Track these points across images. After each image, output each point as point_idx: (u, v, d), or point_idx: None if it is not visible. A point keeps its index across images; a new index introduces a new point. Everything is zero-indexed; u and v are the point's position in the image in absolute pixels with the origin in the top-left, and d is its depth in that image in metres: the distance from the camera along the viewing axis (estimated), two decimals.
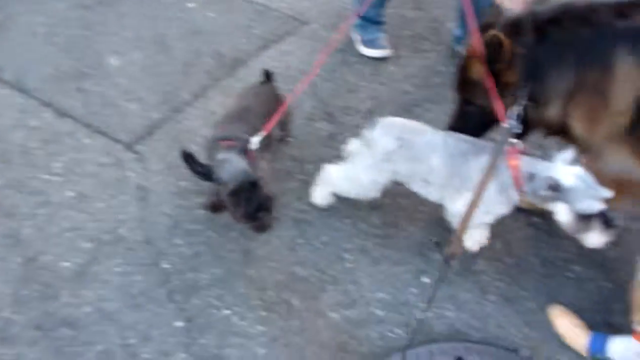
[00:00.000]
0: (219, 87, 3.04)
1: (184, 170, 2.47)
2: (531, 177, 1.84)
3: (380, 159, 2.08)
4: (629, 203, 1.96)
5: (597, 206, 1.76)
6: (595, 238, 1.87)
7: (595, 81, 1.73)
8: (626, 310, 2.00)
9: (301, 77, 3.08)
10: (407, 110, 2.87)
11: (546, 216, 2.37)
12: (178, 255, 2.25)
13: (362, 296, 2.13)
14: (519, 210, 2.39)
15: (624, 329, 1.93)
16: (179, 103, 2.95)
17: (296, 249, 2.27)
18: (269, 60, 3.21)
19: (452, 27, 3.31)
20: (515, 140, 1.88)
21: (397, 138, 2.05)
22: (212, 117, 2.83)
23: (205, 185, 2.12)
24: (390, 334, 2.02)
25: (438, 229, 2.31)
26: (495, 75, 1.89)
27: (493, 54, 1.84)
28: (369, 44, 3.20)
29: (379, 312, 2.08)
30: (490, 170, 1.77)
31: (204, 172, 1.95)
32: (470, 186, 1.88)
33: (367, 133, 2.11)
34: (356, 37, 3.27)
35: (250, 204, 1.92)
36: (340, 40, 3.34)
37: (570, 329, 1.99)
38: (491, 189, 1.89)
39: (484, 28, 1.94)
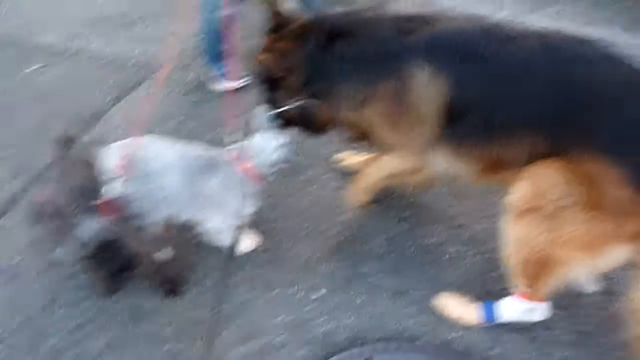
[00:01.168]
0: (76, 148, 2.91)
1: (54, 240, 2.34)
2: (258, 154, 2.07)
3: (126, 189, 1.95)
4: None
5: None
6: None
7: (396, 95, 1.85)
8: (501, 277, 2.18)
9: (166, 120, 3.05)
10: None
11: (415, 206, 2.55)
12: (62, 330, 2.10)
13: (262, 325, 2.13)
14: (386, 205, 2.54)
15: (503, 294, 2.11)
16: (35, 171, 2.79)
17: (186, 294, 2.22)
18: (125, 110, 3.14)
19: None
20: (235, 146, 2.05)
21: (127, 163, 1.95)
22: None
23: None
24: (296, 354, 2.04)
25: (321, 242, 2.38)
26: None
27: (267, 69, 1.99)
28: (223, 77, 3.24)
29: (281, 337, 2.09)
30: None
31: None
32: (216, 203, 2.04)
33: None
34: (210, 73, 3.30)
35: (111, 266, 1.73)
36: (196, 78, 3.37)
37: (459, 309, 2.13)
38: (235, 203, 2.08)
39: (273, 30, 2.02)
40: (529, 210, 1.74)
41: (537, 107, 1.72)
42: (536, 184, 1.74)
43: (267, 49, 2.04)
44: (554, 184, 1.70)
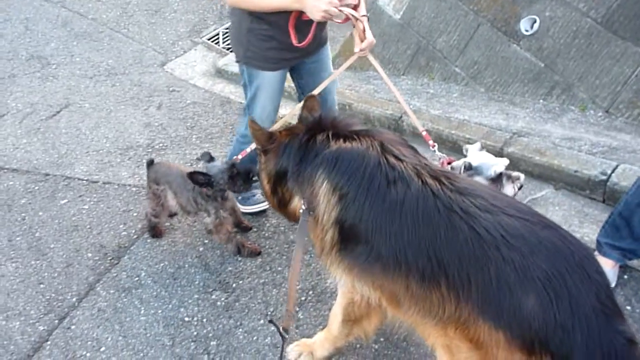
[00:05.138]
0: (106, 281, 2.96)
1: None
2: (451, 167, 2.54)
3: None
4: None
5: (498, 169, 2.50)
6: (509, 189, 2.53)
7: (311, 198, 1.95)
8: None
9: (190, 250, 3.09)
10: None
11: None
12: None
13: None
14: None
15: None
16: (65, 308, 2.81)
17: None
18: (153, 240, 3.20)
19: None
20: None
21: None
22: (103, 315, 2.72)
23: None
24: None
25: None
26: None
27: None
28: (246, 201, 3.31)
29: None
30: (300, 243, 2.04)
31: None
32: None
33: None
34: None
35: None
36: None
37: None
38: None
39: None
40: None
41: (409, 250, 1.73)
42: (451, 354, 1.74)
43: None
44: (462, 353, 1.69)
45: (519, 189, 2.58)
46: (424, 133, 2.72)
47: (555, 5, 3.96)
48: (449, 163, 2.62)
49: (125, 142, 4.28)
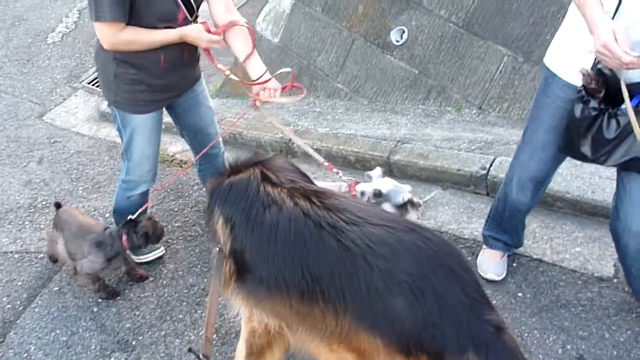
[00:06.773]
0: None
1: None
2: (362, 193, 2.54)
3: None
4: None
5: (405, 197, 2.56)
6: (412, 215, 2.59)
7: (214, 231, 2.02)
8: None
9: (82, 312, 2.90)
10: (198, 304, 2.85)
11: None
12: None
13: None
14: None
15: None
16: None
17: None
18: (41, 309, 2.98)
19: None
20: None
21: None
22: None
23: None
24: None
25: None
26: None
27: None
28: (139, 251, 3.16)
29: None
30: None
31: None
32: None
33: None
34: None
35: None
36: None
37: None
38: None
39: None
40: None
41: (285, 270, 1.80)
42: None
43: None
44: None
45: (421, 214, 2.72)
46: (326, 164, 2.71)
47: (419, 15, 4.14)
48: (356, 184, 2.64)
49: (3, 205, 3.98)
